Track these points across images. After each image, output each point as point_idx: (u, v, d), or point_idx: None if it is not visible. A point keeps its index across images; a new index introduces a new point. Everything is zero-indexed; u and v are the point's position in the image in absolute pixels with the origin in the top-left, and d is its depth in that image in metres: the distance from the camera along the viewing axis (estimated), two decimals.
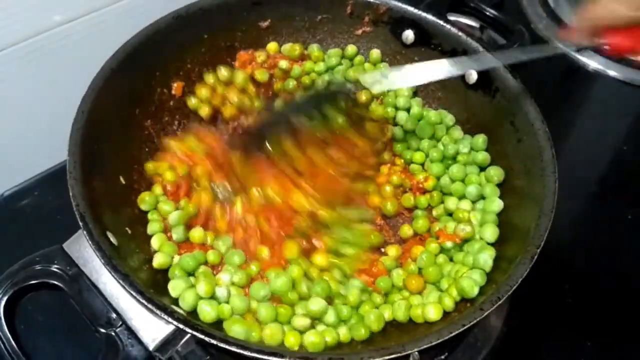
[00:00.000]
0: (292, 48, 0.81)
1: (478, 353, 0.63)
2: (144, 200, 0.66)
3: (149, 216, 0.66)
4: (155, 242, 0.64)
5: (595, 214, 0.84)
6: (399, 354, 0.50)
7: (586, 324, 0.72)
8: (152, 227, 0.65)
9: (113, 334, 0.54)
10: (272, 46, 0.81)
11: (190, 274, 0.62)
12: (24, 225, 0.75)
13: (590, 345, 0.70)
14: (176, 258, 0.62)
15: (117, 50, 0.68)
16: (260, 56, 0.80)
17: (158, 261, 0.61)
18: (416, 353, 0.53)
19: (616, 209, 0.83)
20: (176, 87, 0.76)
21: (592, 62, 0.95)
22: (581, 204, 0.85)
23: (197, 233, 0.65)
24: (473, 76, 0.75)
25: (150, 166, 0.70)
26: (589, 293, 0.74)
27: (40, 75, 0.75)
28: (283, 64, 0.80)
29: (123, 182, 0.67)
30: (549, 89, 0.95)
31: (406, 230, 0.71)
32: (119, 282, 0.53)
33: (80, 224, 0.55)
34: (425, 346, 0.50)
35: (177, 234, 0.64)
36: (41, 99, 0.77)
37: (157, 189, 0.68)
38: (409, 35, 0.80)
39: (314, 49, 0.82)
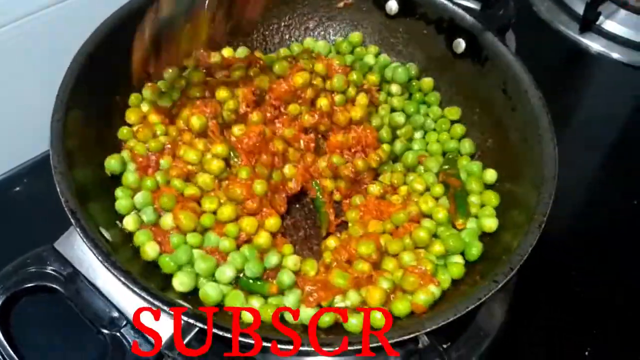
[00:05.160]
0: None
1: (481, 343, 0.63)
2: (110, 164, 0.63)
3: (117, 193, 0.62)
4: (128, 224, 0.60)
5: (599, 199, 0.82)
6: (418, 332, 0.49)
7: (590, 313, 0.71)
8: (119, 204, 0.61)
9: (118, 334, 0.51)
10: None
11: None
12: (15, 213, 0.73)
13: (596, 334, 0.69)
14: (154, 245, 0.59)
15: (91, 35, 0.65)
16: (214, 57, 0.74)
17: (148, 255, 0.58)
18: (425, 338, 0.52)
19: (621, 195, 0.82)
20: None
21: (596, 45, 0.95)
22: (585, 189, 0.83)
23: (168, 219, 0.61)
24: (461, 45, 0.74)
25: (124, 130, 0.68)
26: (594, 282, 0.73)
27: (29, 59, 0.73)
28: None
29: (108, 173, 0.64)
30: (553, 72, 0.93)
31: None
32: (119, 280, 0.50)
33: (72, 221, 0.52)
34: (443, 322, 0.50)
35: (147, 215, 0.61)
36: (31, 84, 0.74)
37: (125, 154, 0.65)
38: (392, 5, 0.78)
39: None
